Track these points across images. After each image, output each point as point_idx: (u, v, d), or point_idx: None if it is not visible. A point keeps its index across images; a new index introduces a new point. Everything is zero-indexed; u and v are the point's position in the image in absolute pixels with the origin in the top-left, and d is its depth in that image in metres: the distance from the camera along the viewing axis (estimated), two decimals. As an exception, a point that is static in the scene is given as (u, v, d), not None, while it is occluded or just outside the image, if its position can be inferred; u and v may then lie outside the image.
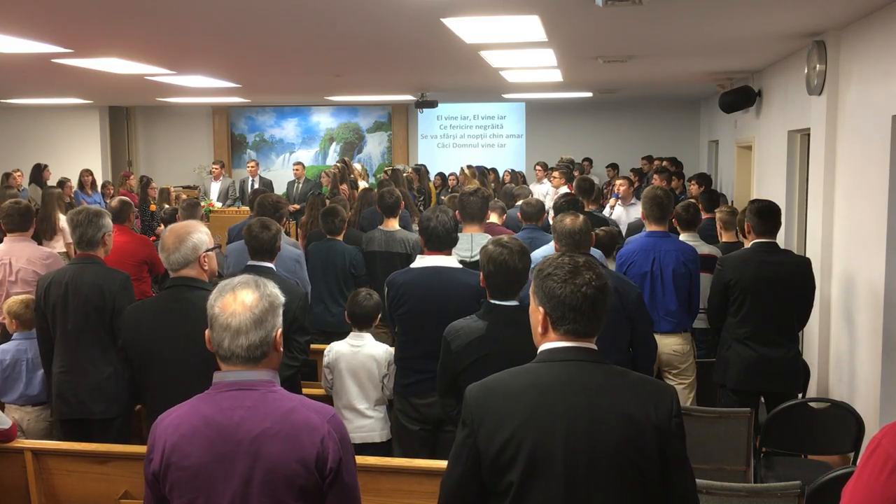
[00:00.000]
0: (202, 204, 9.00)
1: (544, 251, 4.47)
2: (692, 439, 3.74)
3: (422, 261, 3.95)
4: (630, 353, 3.85)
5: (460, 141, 15.09)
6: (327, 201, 7.14)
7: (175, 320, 3.01)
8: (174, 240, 3.08)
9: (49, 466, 3.58)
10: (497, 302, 3.08)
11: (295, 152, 15.19)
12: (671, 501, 1.99)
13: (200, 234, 3.14)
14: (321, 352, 4.47)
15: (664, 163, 11.62)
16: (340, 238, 5.82)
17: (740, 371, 4.45)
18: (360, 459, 2.72)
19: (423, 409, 3.83)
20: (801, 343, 5.49)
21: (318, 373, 4.98)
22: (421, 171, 11.85)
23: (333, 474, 2.00)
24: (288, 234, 6.30)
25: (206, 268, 3.13)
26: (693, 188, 8.55)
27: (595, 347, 2.05)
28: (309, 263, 5.67)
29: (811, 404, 4.23)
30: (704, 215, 6.64)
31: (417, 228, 4.47)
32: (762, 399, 4.61)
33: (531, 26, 5.29)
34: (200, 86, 9.57)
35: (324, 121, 15.19)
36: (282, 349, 2.12)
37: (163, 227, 7.92)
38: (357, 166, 11.06)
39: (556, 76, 8.65)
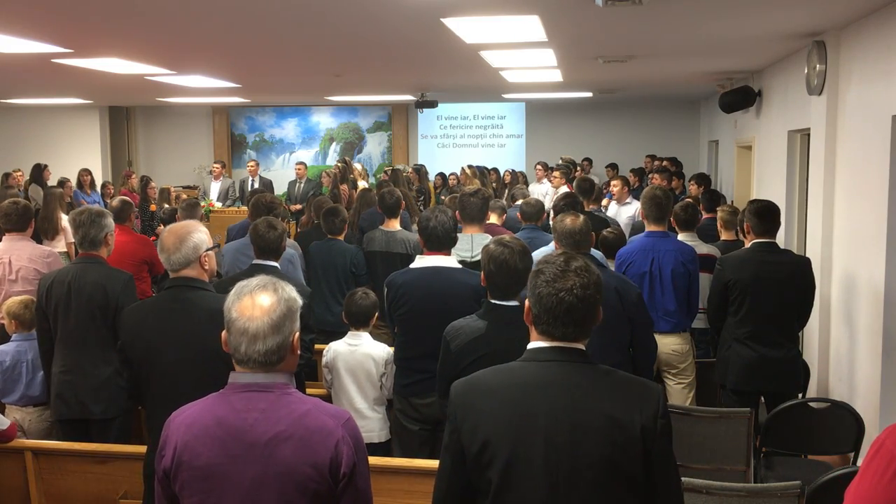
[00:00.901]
0: (202, 204, 9.01)
1: (544, 252, 4.47)
2: (692, 439, 3.76)
3: (421, 261, 3.96)
4: (630, 354, 3.86)
5: (460, 141, 15.09)
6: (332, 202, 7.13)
7: (175, 320, 3.01)
8: (174, 240, 3.07)
9: (49, 466, 3.58)
10: (497, 302, 3.07)
11: (295, 152, 15.19)
12: (656, 502, 1.98)
13: (200, 234, 3.15)
14: (321, 351, 4.47)
15: (664, 163, 11.62)
16: (341, 238, 5.82)
17: (740, 371, 4.45)
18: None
19: (423, 409, 3.83)
20: (801, 343, 5.49)
21: (318, 373, 4.99)
22: (421, 171, 11.85)
23: (347, 479, 1.98)
24: (287, 234, 6.29)
25: (207, 267, 3.13)
26: (693, 188, 8.56)
27: (582, 348, 2.03)
28: (309, 263, 5.67)
29: (811, 404, 4.23)
30: (706, 215, 6.65)
31: (417, 229, 4.47)
32: (762, 399, 4.61)
33: (531, 26, 5.29)
34: (200, 86, 9.57)
35: (324, 121, 15.19)
36: (298, 351, 2.10)
37: (163, 227, 7.92)
38: (357, 166, 11.06)
39: (556, 76, 8.65)
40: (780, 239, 4.81)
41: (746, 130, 8.91)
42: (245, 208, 10.24)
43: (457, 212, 4.64)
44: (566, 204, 5.32)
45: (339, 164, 10.52)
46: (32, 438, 4.11)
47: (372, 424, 4.13)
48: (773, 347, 4.42)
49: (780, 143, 7.07)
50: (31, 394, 4.21)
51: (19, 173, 11.24)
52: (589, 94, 11.97)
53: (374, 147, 15.20)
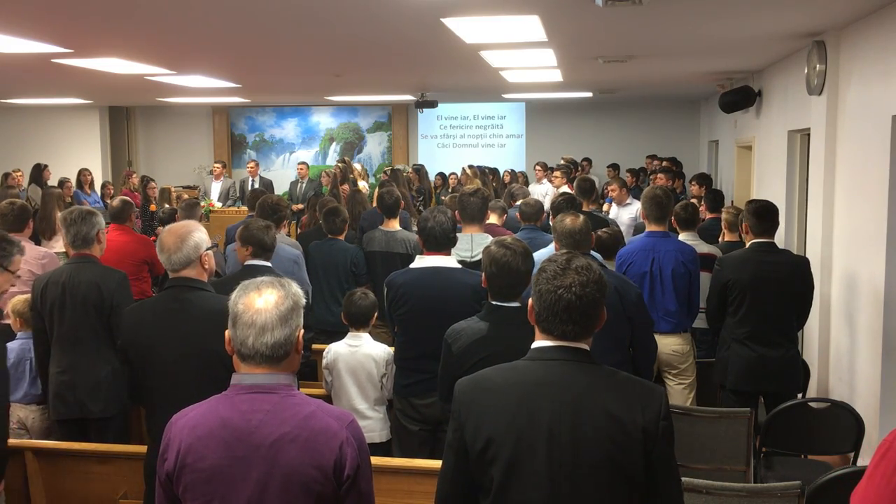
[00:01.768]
0: (202, 204, 9.00)
1: (544, 252, 4.47)
2: (692, 439, 3.76)
3: (421, 261, 3.95)
4: (630, 354, 3.85)
5: (460, 141, 15.09)
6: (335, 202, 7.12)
7: (175, 320, 3.01)
8: (175, 240, 3.07)
9: (49, 466, 3.58)
10: (499, 303, 3.06)
11: (295, 152, 15.19)
12: (657, 503, 1.98)
13: (200, 233, 3.15)
14: (321, 352, 4.47)
15: (664, 163, 11.61)
16: (342, 238, 5.82)
17: (740, 371, 4.45)
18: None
19: (423, 410, 3.83)
20: (801, 343, 5.49)
21: (318, 373, 4.99)
22: (420, 171, 11.85)
23: (350, 481, 1.98)
24: (288, 234, 6.30)
25: (207, 267, 3.13)
26: (694, 188, 8.55)
27: (586, 348, 2.04)
28: (309, 263, 5.67)
29: (811, 404, 4.23)
30: (709, 215, 6.64)
31: (416, 229, 4.47)
32: (762, 399, 4.60)
33: (531, 26, 5.29)
34: (200, 86, 9.57)
35: (324, 121, 15.19)
36: (302, 351, 2.10)
37: (162, 227, 7.92)
38: (357, 166, 11.05)
39: (556, 76, 8.65)
40: (780, 239, 4.81)
41: (746, 130, 8.91)
42: (245, 208, 10.25)
43: (456, 212, 4.64)
44: (565, 204, 5.32)
45: (339, 165, 10.52)
46: (35, 436, 4.13)
47: (372, 425, 4.13)
48: (772, 347, 4.41)
49: (780, 143, 7.07)
50: (35, 392, 4.22)
51: (19, 173, 11.24)
52: (589, 94, 11.97)
53: (374, 147, 15.20)
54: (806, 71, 5.83)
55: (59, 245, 7.52)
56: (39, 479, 3.58)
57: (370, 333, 4.29)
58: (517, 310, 3.04)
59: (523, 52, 6.74)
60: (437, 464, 3.48)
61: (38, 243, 5.97)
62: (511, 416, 1.97)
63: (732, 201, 9.28)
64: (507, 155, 14.68)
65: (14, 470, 3.54)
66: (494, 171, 12.43)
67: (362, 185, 9.90)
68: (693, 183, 8.68)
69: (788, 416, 4.02)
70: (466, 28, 5.37)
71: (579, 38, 6.06)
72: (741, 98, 8.23)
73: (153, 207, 9.83)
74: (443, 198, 9.71)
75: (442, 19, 5.02)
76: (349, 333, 4.25)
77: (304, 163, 11.90)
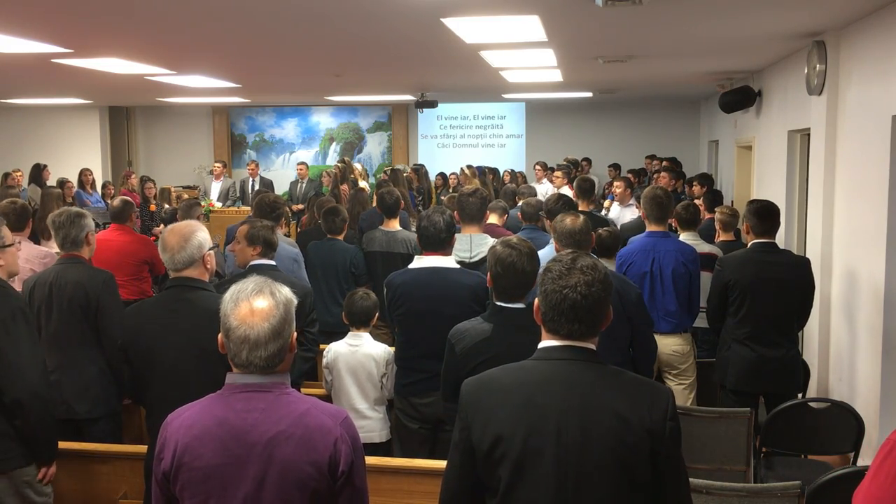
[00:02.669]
0: (202, 204, 9.00)
1: (544, 252, 4.47)
2: (692, 439, 3.76)
3: (419, 261, 3.96)
4: (630, 354, 3.85)
5: (460, 141, 15.09)
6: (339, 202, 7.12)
7: (176, 320, 3.01)
8: (178, 239, 3.07)
9: (49, 466, 3.57)
10: (503, 304, 3.05)
11: (295, 152, 15.19)
12: (664, 503, 1.98)
13: (203, 233, 3.17)
14: (321, 352, 4.47)
15: (664, 163, 11.61)
16: (341, 238, 5.82)
17: (740, 371, 4.45)
18: (360, 459, 2.72)
19: (423, 409, 3.83)
20: (801, 343, 5.49)
21: (318, 373, 4.99)
22: (420, 171, 11.85)
23: (345, 477, 2.00)
24: (288, 234, 6.29)
25: (209, 267, 3.14)
26: (696, 188, 8.55)
27: (592, 347, 2.04)
28: (308, 263, 5.67)
29: (811, 404, 4.23)
30: (707, 215, 6.65)
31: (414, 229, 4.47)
32: (762, 399, 4.60)
33: (531, 26, 5.29)
34: (200, 86, 9.57)
35: (324, 121, 15.19)
36: (296, 349, 2.11)
37: (163, 226, 7.92)
38: (357, 166, 11.06)
39: (556, 76, 8.65)
40: (780, 239, 4.81)
41: (746, 130, 8.91)
42: (245, 208, 10.26)
43: (455, 212, 4.63)
44: (559, 206, 5.31)
45: (339, 165, 10.52)
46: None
47: (372, 424, 4.13)
48: (772, 348, 4.41)
49: (780, 143, 7.07)
50: None
51: (19, 173, 11.24)
52: (589, 94, 11.97)
53: (374, 147, 15.20)
54: (806, 71, 5.83)
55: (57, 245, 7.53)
56: (39, 479, 3.57)
57: (370, 333, 4.29)
58: (522, 311, 3.03)
59: (523, 52, 6.74)
60: (437, 464, 3.48)
61: (37, 243, 5.97)
62: (518, 416, 1.96)
63: (732, 201, 9.29)
64: (507, 155, 14.67)
65: (14, 470, 3.53)
66: (494, 171, 12.44)
67: (363, 184, 9.91)
68: (696, 183, 8.68)
69: (788, 416, 4.02)
70: (466, 28, 5.37)
71: (579, 38, 6.06)
72: (741, 98, 8.23)
73: (153, 207, 9.82)
74: (442, 198, 9.71)
75: (442, 19, 5.02)
76: (350, 333, 4.25)
77: (303, 163, 11.91)
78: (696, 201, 7.05)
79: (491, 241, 4.19)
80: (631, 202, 7.90)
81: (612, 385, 1.99)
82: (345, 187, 9.34)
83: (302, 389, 4.22)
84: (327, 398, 4.16)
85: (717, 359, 4.68)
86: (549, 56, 6.90)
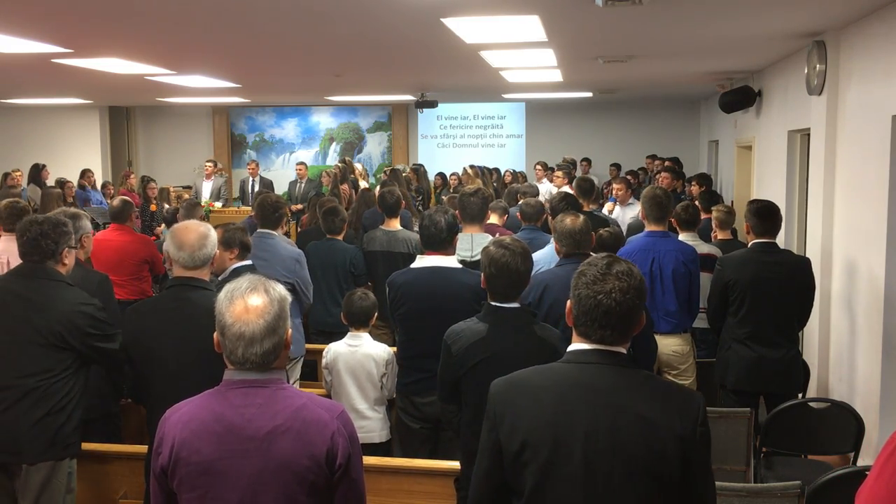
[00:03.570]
0: (202, 204, 9.01)
1: (544, 252, 4.47)
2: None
3: (421, 261, 3.96)
4: (629, 353, 3.84)
5: (460, 141, 15.09)
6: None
7: (178, 320, 3.02)
8: (198, 238, 3.10)
9: (49, 466, 3.57)
10: (498, 304, 3.05)
11: (295, 152, 15.19)
12: None
13: (214, 233, 3.22)
14: (321, 352, 4.47)
15: (666, 162, 11.61)
16: (340, 238, 5.82)
17: (740, 371, 4.45)
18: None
19: (424, 408, 3.84)
20: (801, 343, 5.49)
21: (317, 373, 4.99)
22: (419, 171, 11.84)
23: (342, 470, 2.02)
24: (288, 234, 6.29)
25: (214, 267, 3.18)
26: (694, 188, 8.56)
27: (623, 352, 2.02)
28: (308, 263, 5.67)
29: (811, 404, 4.23)
30: (704, 215, 6.65)
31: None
32: (762, 399, 4.60)
33: (531, 26, 5.29)
34: (200, 86, 9.57)
35: (324, 121, 15.19)
36: (291, 345, 2.13)
37: (163, 226, 7.92)
38: (358, 166, 11.06)
39: (556, 76, 8.65)
40: (781, 239, 4.80)
41: (746, 130, 8.91)
42: (246, 208, 10.27)
43: (457, 211, 4.63)
44: (563, 204, 5.31)
45: (339, 165, 10.52)
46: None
47: (372, 425, 4.13)
48: (772, 348, 4.41)
49: (780, 143, 7.08)
50: None
51: (18, 173, 11.24)
52: (589, 94, 11.97)
53: (374, 147, 15.20)
54: (806, 71, 5.83)
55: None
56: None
57: (370, 333, 4.29)
58: (517, 311, 3.04)
59: (523, 52, 6.74)
60: (437, 464, 3.49)
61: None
62: (548, 419, 1.95)
63: (732, 201, 9.29)
64: (507, 155, 14.68)
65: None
66: (495, 171, 12.44)
67: (363, 184, 9.91)
68: (694, 183, 8.68)
69: (788, 416, 4.02)
70: (466, 28, 5.37)
71: (579, 38, 6.06)
72: (741, 98, 8.23)
73: (153, 207, 9.83)
74: (443, 198, 9.71)
75: (442, 19, 5.02)
76: (349, 333, 4.25)
77: (302, 163, 11.91)
78: (695, 200, 7.05)
79: (489, 240, 4.19)
80: (631, 201, 7.90)
81: (643, 390, 1.97)
82: (345, 187, 9.34)
83: (302, 390, 4.23)
84: (327, 398, 4.16)
85: (717, 359, 4.67)
86: (549, 56, 6.90)
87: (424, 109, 12.30)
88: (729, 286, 4.46)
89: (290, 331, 2.09)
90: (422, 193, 11.10)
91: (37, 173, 11.30)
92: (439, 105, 12.30)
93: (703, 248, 5.35)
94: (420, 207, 9.85)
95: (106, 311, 3.94)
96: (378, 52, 6.72)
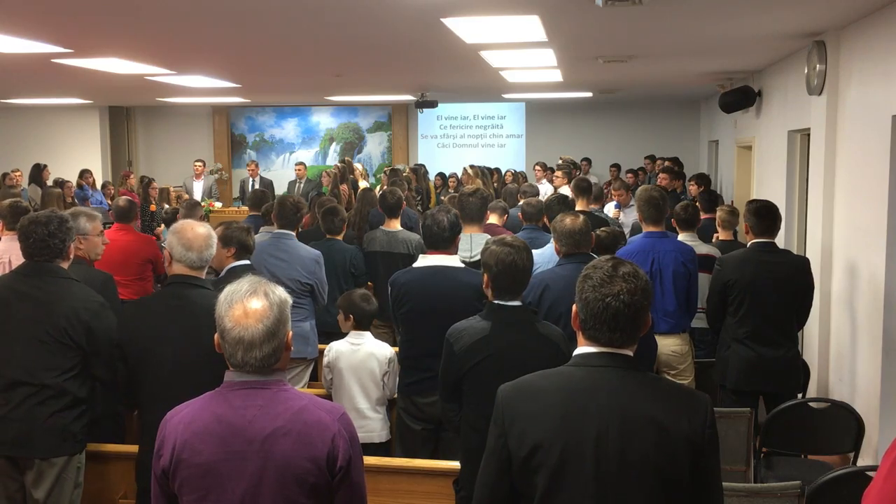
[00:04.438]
0: (202, 204, 9.00)
1: (544, 252, 4.47)
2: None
3: (423, 260, 3.96)
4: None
5: (460, 141, 15.09)
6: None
7: (176, 318, 3.02)
8: (205, 238, 3.13)
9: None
10: (501, 302, 3.05)
11: (295, 152, 15.18)
12: None
13: (215, 233, 3.25)
14: (321, 351, 4.47)
15: (666, 162, 11.61)
16: (340, 238, 5.82)
17: (739, 371, 4.45)
18: (361, 459, 2.72)
19: (426, 408, 3.83)
20: (801, 343, 5.49)
21: (317, 372, 4.99)
22: (418, 171, 11.84)
23: (343, 472, 2.02)
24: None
25: (214, 266, 3.20)
26: (692, 188, 8.56)
27: (630, 354, 2.01)
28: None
29: (811, 404, 4.23)
30: (704, 215, 6.65)
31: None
32: (762, 399, 4.60)
33: (531, 26, 5.29)
34: (200, 86, 9.57)
35: (324, 121, 15.19)
36: (292, 347, 2.13)
37: (163, 227, 7.92)
38: (358, 167, 11.06)
39: (556, 76, 8.65)
40: (780, 239, 4.81)
41: (746, 130, 8.91)
42: (245, 208, 10.25)
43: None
44: (558, 204, 5.31)
45: (339, 165, 10.52)
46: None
47: (373, 425, 4.13)
48: (772, 347, 4.41)
49: (780, 143, 7.08)
50: None
51: (18, 173, 11.24)
52: (589, 94, 11.97)
53: (374, 147, 15.20)
54: (806, 71, 5.83)
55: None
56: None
57: (371, 333, 4.30)
58: (519, 309, 3.04)
59: (523, 52, 6.74)
60: (437, 464, 3.49)
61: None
62: (558, 423, 1.94)
63: (732, 201, 9.29)
64: (507, 155, 14.67)
65: (14, 470, 3.53)
66: (496, 171, 12.43)
67: (363, 184, 9.91)
68: (692, 183, 8.68)
69: (788, 416, 4.02)
70: (466, 28, 5.37)
71: (579, 38, 6.06)
72: (741, 98, 8.23)
73: (153, 207, 9.82)
74: (443, 198, 9.71)
75: (442, 19, 5.02)
76: (351, 332, 4.25)
77: (301, 163, 11.91)
78: (696, 200, 7.05)
79: (490, 240, 4.19)
80: (632, 203, 7.90)
81: (651, 393, 1.97)
82: (345, 187, 9.34)
83: (303, 389, 4.24)
84: (328, 398, 4.17)
85: (716, 358, 4.68)
86: (549, 56, 6.90)
87: (424, 109, 12.30)
88: (728, 286, 4.46)
89: (290, 333, 2.08)
90: (420, 193, 11.09)
91: (38, 173, 11.30)
92: (439, 105, 12.30)
93: (702, 248, 5.35)
94: (419, 208, 9.85)
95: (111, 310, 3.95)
96: (378, 52, 6.72)
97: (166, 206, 9.29)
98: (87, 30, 5.48)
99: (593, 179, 11.43)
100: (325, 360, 4.25)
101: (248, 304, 2.02)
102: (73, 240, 3.48)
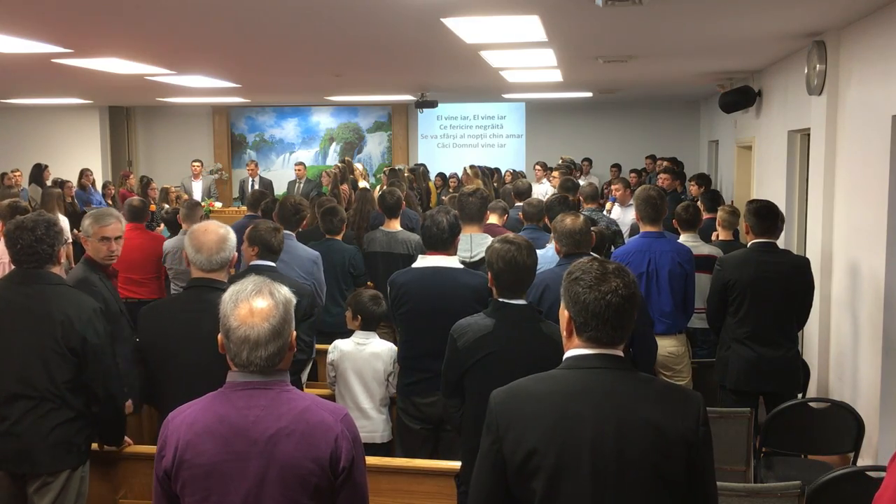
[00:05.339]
0: (202, 203, 9.00)
1: (544, 252, 4.47)
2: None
3: (423, 261, 3.96)
4: (629, 353, 3.85)
5: (460, 141, 15.09)
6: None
7: (196, 321, 2.98)
8: (217, 240, 3.08)
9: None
10: (505, 300, 3.05)
11: (295, 152, 15.18)
12: None
13: (233, 235, 3.19)
14: (324, 350, 4.47)
15: (666, 163, 11.61)
16: (340, 238, 5.81)
17: (740, 371, 4.45)
18: (361, 459, 2.72)
19: (425, 409, 3.84)
20: (801, 343, 5.49)
21: (319, 372, 4.99)
22: (418, 171, 11.84)
23: (346, 473, 2.01)
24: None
25: (231, 269, 3.15)
26: (693, 189, 8.56)
27: (622, 355, 2.01)
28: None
29: (811, 404, 4.23)
30: (706, 215, 6.65)
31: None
32: (762, 399, 4.60)
33: (531, 26, 5.29)
34: (200, 86, 9.57)
35: (324, 121, 15.19)
36: (295, 348, 2.12)
37: (163, 227, 7.92)
38: (358, 166, 11.06)
39: (556, 76, 8.65)
40: (780, 239, 4.80)
41: (746, 130, 8.91)
42: (244, 208, 10.24)
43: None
44: (558, 204, 5.31)
45: (339, 165, 10.52)
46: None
47: (375, 425, 4.13)
48: (772, 347, 4.41)
49: (780, 143, 7.08)
50: None
51: (17, 173, 11.24)
52: (589, 94, 11.97)
53: (374, 147, 15.20)
54: (806, 71, 5.84)
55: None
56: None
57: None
58: (523, 307, 3.04)
59: (523, 52, 6.74)
60: (437, 464, 3.49)
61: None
62: (553, 427, 1.93)
63: (732, 201, 9.29)
64: (507, 155, 14.67)
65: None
66: (496, 171, 12.43)
67: (363, 185, 9.90)
68: (693, 183, 8.68)
69: (788, 416, 4.02)
70: (466, 28, 5.37)
71: (579, 38, 6.06)
72: (741, 98, 8.23)
73: (152, 207, 9.82)
74: (443, 198, 9.71)
75: (442, 19, 5.02)
76: (357, 332, 4.24)
77: (301, 163, 11.91)
78: (693, 200, 7.05)
79: (491, 240, 4.19)
80: (631, 202, 7.88)
81: (646, 393, 1.97)
82: (345, 187, 9.34)
83: (306, 389, 4.23)
84: (330, 397, 4.16)
85: (716, 359, 4.67)
86: (549, 56, 6.90)
87: (424, 109, 12.30)
88: (728, 286, 4.46)
89: (294, 333, 2.08)
90: (420, 194, 11.09)
91: (38, 173, 11.30)
92: (439, 105, 12.30)
93: (703, 248, 5.35)
94: (420, 208, 9.85)
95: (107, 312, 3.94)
96: (378, 52, 6.72)
97: (166, 206, 9.27)
98: (87, 30, 5.48)
99: (594, 180, 11.45)
100: (329, 358, 4.24)
101: (253, 303, 2.02)
102: (63, 244, 3.35)
